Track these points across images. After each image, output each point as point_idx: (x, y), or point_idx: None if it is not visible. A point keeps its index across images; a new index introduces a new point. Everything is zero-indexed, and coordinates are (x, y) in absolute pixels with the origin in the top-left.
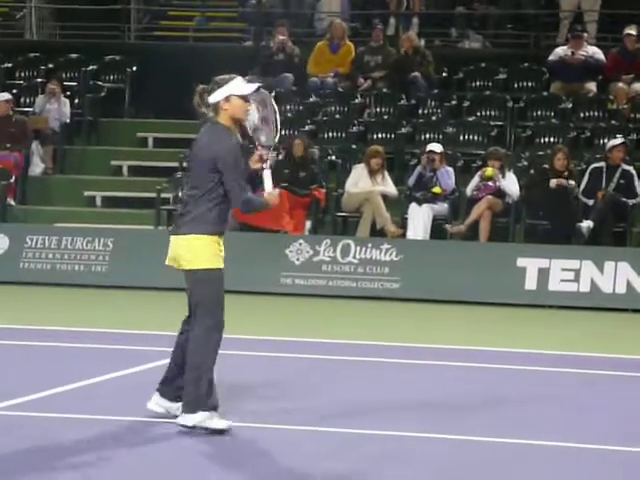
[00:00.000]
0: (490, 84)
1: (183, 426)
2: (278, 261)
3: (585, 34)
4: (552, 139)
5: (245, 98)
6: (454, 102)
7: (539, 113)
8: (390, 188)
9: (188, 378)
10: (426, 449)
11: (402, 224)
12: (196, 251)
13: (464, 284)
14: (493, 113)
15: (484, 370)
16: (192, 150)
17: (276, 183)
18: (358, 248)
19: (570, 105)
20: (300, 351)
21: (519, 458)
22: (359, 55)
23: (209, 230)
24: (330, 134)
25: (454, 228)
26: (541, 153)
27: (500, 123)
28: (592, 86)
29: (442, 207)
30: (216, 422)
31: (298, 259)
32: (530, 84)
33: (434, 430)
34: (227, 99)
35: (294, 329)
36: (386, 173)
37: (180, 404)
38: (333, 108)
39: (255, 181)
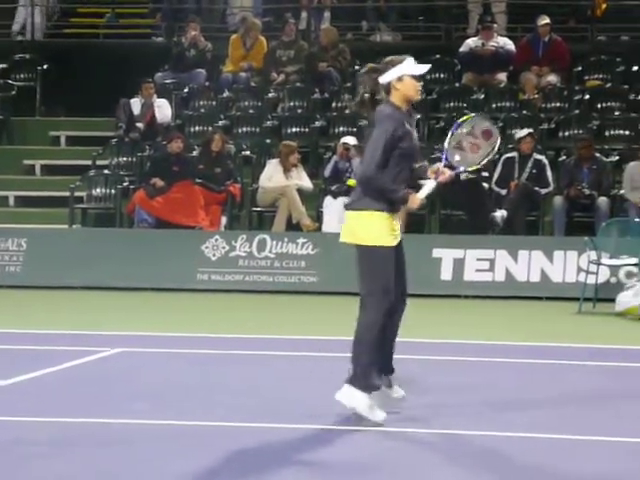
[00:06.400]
0: None
1: (341, 401)
2: (194, 257)
3: (495, 25)
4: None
5: (417, 78)
6: (367, 95)
7: (451, 104)
8: (305, 182)
9: (353, 355)
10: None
11: (318, 218)
12: (369, 226)
13: None
14: None
15: (404, 361)
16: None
17: (191, 179)
18: (274, 243)
19: (482, 96)
20: (215, 347)
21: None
22: (271, 50)
23: (381, 207)
24: (244, 129)
25: None
26: None
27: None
28: (503, 77)
29: None
30: (374, 413)
31: (214, 255)
32: (442, 76)
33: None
34: (400, 79)
35: (210, 325)
36: (301, 167)
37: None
38: (247, 103)
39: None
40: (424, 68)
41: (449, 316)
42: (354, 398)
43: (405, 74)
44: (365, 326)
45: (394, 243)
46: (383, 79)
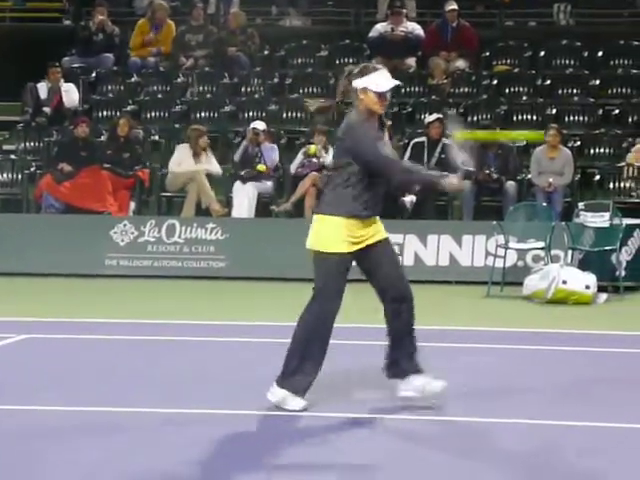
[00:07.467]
0: (312, 61)
1: (269, 399)
2: (103, 243)
3: (404, 10)
4: None
5: (380, 95)
6: (276, 80)
7: None
8: (214, 167)
9: (287, 353)
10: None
11: (227, 203)
12: (320, 232)
13: (289, 262)
14: (315, 90)
15: None
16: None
17: (99, 164)
18: (183, 228)
19: None
20: (124, 333)
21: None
22: (180, 34)
23: (340, 212)
24: (153, 114)
25: (281, 207)
26: None
27: (322, 100)
28: (412, 62)
29: (266, 185)
30: (290, 403)
31: (123, 240)
32: (352, 60)
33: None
34: (364, 90)
35: (119, 311)
36: (210, 152)
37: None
38: (155, 88)
39: None
40: (389, 85)
41: (358, 300)
42: (273, 393)
43: (369, 88)
44: (301, 324)
45: (347, 250)
46: (354, 84)
